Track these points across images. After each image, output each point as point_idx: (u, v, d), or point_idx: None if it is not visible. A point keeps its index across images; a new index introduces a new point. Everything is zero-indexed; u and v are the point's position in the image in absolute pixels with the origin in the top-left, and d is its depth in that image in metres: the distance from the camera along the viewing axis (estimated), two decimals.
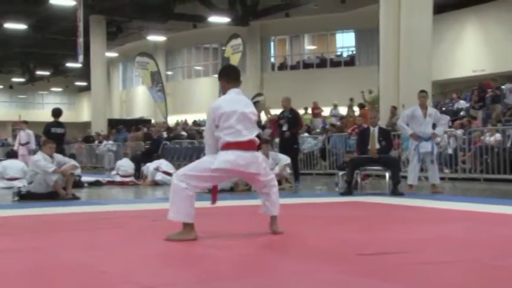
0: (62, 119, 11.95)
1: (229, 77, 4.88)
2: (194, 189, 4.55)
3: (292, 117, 11.32)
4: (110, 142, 22.77)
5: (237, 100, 4.74)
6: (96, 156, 23.50)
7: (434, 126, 9.52)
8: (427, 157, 9.40)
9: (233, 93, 4.80)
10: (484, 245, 4.40)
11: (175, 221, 4.54)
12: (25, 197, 8.74)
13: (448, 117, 11.52)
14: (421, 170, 10.04)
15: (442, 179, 12.49)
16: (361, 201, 8.20)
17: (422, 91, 9.57)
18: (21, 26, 28.33)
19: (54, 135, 10.87)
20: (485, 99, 16.07)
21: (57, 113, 11.79)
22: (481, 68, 22.16)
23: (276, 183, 4.92)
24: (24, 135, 14.96)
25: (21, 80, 46.00)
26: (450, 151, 13.03)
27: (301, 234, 4.96)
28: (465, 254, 4.00)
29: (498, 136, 12.53)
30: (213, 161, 4.57)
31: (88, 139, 25.70)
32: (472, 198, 8.90)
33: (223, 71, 5.05)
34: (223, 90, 4.90)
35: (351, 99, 20.88)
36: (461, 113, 16.94)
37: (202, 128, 20.37)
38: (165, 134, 20.21)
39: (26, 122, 15.65)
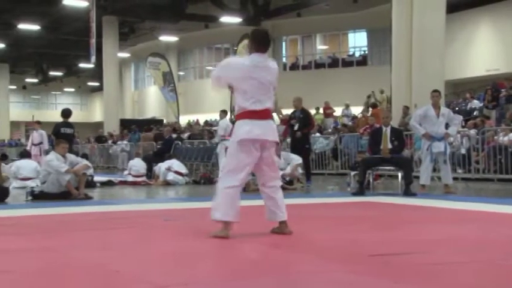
0: (74, 119, 12.04)
1: (254, 41, 4.70)
2: (235, 183, 4.53)
3: (303, 117, 11.30)
4: (124, 142, 22.85)
5: (258, 67, 4.60)
6: (109, 156, 23.58)
7: (447, 126, 9.47)
8: (440, 157, 9.34)
9: (255, 58, 4.65)
10: (497, 245, 4.37)
11: (214, 219, 4.58)
12: (38, 196, 8.80)
13: (461, 117, 11.45)
14: (434, 170, 9.99)
15: (455, 179, 12.40)
16: (373, 201, 8.17)
17: (435, 91, 9.51)
18: (34, 27, 28.55)
19: (63, 136, 10.95)
20: (499, 98, 15.96)
21: (66, 113, 11.88)
22: (495, 68, 21.99)
23: (279, 186, 4.86)
24: (37, 135, 15.07)
25: (35, 80, 46.36)
26: (463, 151, 12.94)
27: (312, 234, 4.95)
28: (478, 255, 3.97)
29: None
30: (232, 146, 4.61)
31: (100, 139, 25.77)
32: (485, 198, 8.84)
33: (252, 33, 4.81)
34: (249, 52, 4.74)
35: (369, 96, 20.75)
36: (475, 113, 16.83)
37: (214, 128, 20.39)
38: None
39: (39, 123, 15.75)
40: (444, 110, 9.54)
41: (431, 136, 9.24)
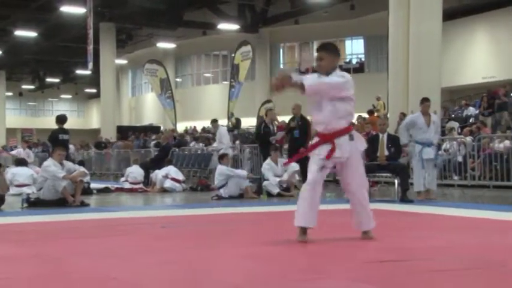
0: (71, 126, 12.00)
1: (336, 56, 4.70)
2: (316, 185, 4.63)
3: (302, 125, 11.29)
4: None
5: (333, 86, 4.61)
6: (108, 163, 23.40)
7: None
8: (430, 163, 9.40)
9: (335, 77, 4.62)
10: (495, 252, 4.37)
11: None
12: (34, 203, 8.77)
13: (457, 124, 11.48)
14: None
15: (451, 186, 12.45)
16: None
17: (428, 99, 9.54)
18: (31, 34, 28.56)
19: (61, 142, 10.88)
20: (494, 105, 16.02)
21: (62, 119, 11.75)
22: (491, 75, 22.07)
23: (366, 196, 4.93)
24: (24, 153, 15.35)
25: (31, 87, 46.32)
26: (460, 158, 12.96)
27: (309, 242, 4.94)
28: (476, 262, 3.97)
29: (507, 143, 12.47)
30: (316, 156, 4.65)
31: (99, 145, 25.51)
32: (482, 205, 8.85)
33: (326, 45, 4.78)
34: (324, 68, 4.66)
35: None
36: (471, 120, 16.88)
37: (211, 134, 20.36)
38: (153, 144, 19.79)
39: (27, 142, 15.97)
40: (434, 117, 9.61)
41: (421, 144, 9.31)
